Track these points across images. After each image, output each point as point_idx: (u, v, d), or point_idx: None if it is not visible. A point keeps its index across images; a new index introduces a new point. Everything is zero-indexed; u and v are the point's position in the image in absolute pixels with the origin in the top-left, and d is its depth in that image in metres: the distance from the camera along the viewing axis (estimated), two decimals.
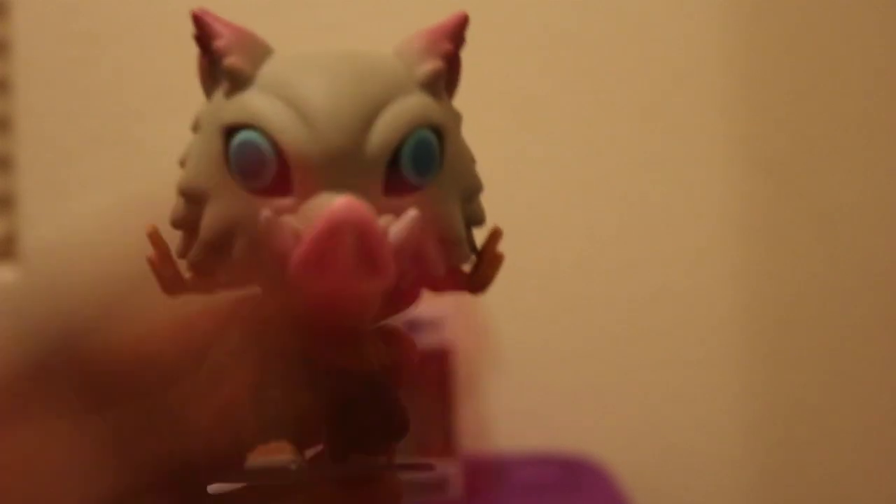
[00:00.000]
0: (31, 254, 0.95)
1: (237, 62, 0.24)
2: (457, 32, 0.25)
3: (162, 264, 0.24)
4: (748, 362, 0.96)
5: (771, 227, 0.96)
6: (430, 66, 0.24)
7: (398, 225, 0.22)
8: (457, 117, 0.26)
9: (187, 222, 0.24)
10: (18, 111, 0.96)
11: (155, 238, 0.24)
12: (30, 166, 0.96)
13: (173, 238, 0.24)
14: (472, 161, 0.26)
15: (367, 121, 0.22)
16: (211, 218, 0.23)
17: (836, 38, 0.96)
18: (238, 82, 0.23)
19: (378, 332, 0.25)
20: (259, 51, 0.24)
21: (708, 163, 0.96)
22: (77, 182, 0.94)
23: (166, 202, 0.24)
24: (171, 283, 0.24)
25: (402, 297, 0.26)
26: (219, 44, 0.24)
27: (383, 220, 0.22)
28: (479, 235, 0.28)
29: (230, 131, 0.23)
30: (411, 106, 0.23)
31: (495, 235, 0.27)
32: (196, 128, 0.24)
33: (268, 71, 0.23)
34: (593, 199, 0.96)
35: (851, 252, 0.96)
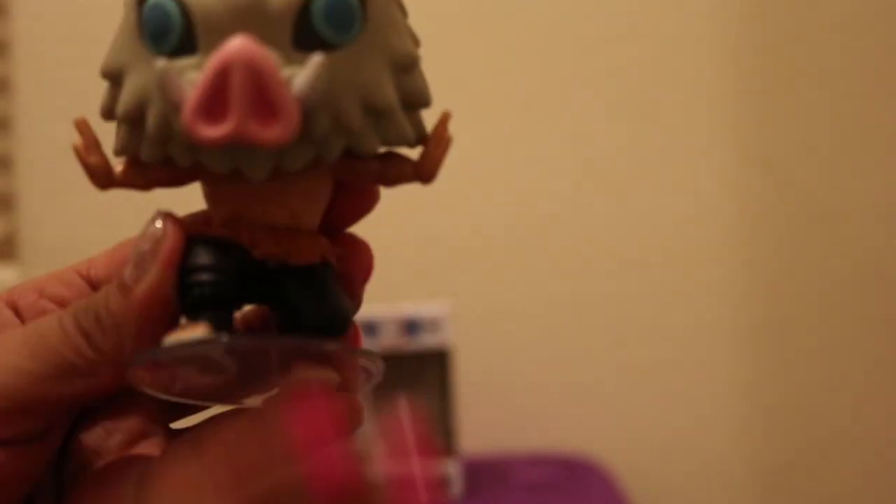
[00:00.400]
0: (31, 254, 0.96)
1: None
2: None
3: (87, 153, 0.24)
4: (748, 362, 0.96)
5: (771, 227, 0.96)
6: None
7: (302, 72, 0.21)
8: None
9: (112, 108, 0.23)
10: (18, 111, 0.96)
11: (82, 127, 0.24)
12: (30, 166, 0.96)
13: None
14: (408, 34, 0.24)
15: None
16: (126, 92, 0.23)
17: (836, 38, 0.96)
18: None
19: (331, 233, 0.25)
20: None
21: (708, 162, 0.96)
22: (77, 182, 0.93)
23: None
24: (99, 174, 0.24)
25: (349, 193, 0.26)
26: None
27: (287, 71, 0.21)
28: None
29: (142, 1, 0.22)
30: None
31: (445, 118, 0.25)
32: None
33: None
34: (593, 199, 0.96)
35: (851, 252, 0.96)
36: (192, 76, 0.21)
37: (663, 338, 0.96)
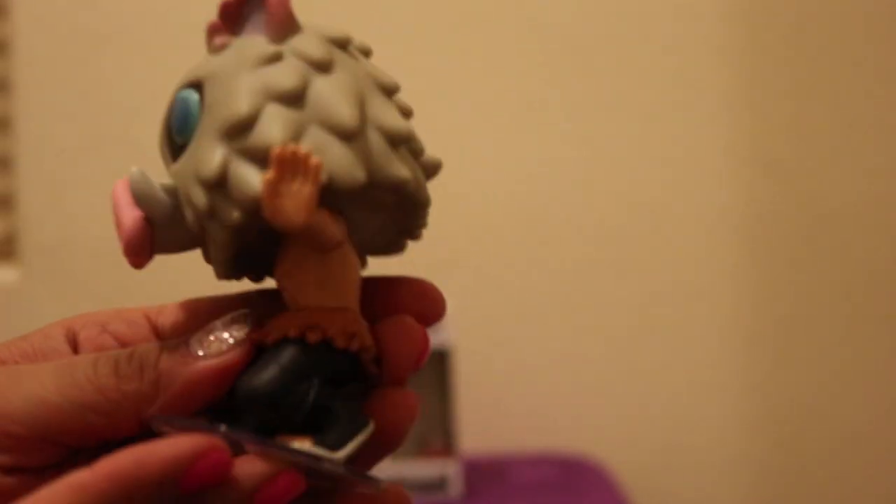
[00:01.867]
0: (31, 254, 0.96)
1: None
2: None
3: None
4: (748, 362, 0.96)
5: (771, 227, 0.96)
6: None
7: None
8: (243, 55, 0.23)
9: None
10: (18, 111, 0.96)
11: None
12: (30, 166, 0.96)
13: None
14: (246, 92, 0.23)
15: None
16: None
17: (837, 38, 0.96)
18: None
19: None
20: None
21: (708, 163, 0.96)
22: (77, 182, 0.94)
23: None
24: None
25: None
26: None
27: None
28: None
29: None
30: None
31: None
32: None
33: None
34: (594, 199, 0.96)
35: (851, 252, 0.96)
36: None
37: (663, 338, 0.96)
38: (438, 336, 0.79)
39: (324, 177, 0.21)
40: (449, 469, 0.79)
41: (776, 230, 0.96)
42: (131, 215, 0.23)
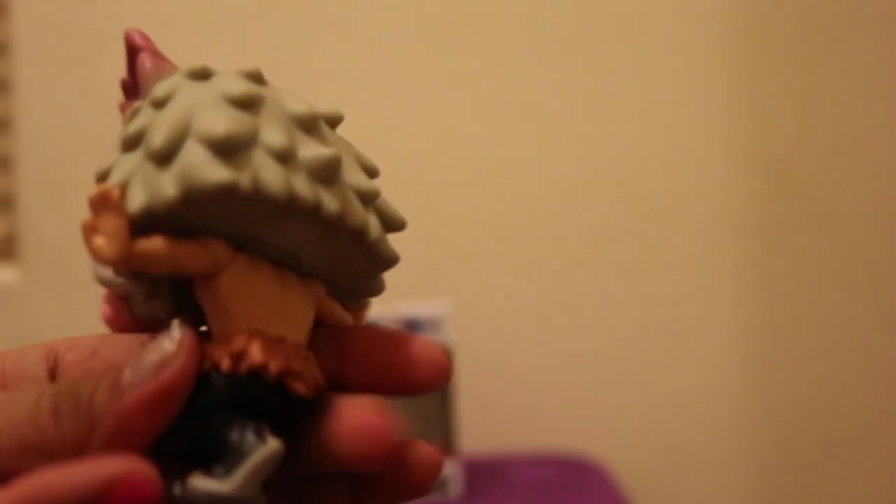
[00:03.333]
0: (31, 254, 0.96)
1: None
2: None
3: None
4: (748, 362, 0.96)
5: (771, 227, 0.96)
6: None
7: None
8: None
9: None
10: (18, 111, 0.96)
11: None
12: (30, 166, 0.96)
13: None
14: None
15: None
16: None
17: (837, 38, 0.96)
18: None
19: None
20: None
21: (708, 163, 0.96)
22: (77, 182, 0.94)
23: None
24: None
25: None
26: None
27: None
28: None
29: None
30: None
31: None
32: None
33: None
34: (594, 200, 0.96)
35: (851, 252, 0.96)
36: None
37: (663, 338, 0.96)
38: (438, 336, 0.79)
39: (134, 205, 0.21)
40: (449, 469, 0.79)
41: (776, 230, 0.96)
42: (104, 295, 0.24)
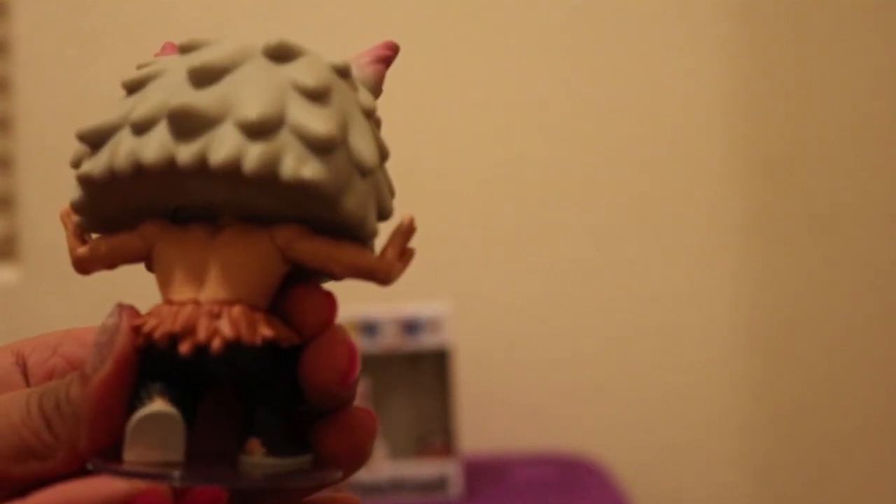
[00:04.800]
0: (31, 254, 0.96)
1: None
2: None
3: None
4: (748, 362, 0.96)
5: (771, 227, 0.96)
6: None
7: None
8: None
9: None
10: (18, 111, 0.96)
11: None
12: (30, 166, 0.96)
13: None
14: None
15: None
16: None
17: (837, 38, 0.96)
18: None
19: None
20: None
21: (708, 163, 0.96)
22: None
23: None
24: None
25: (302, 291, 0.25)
26: None
27: None
28: None
29: None
30: None
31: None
32: None
33: None
34: (594, 200, 0.96)
35: (851, 252, 0.96)
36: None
37: (663, 338, 0.96)
38: (438, 336, 0.79)
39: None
40: (449, 469, 0.79)
41: (776, 230, 0.96)
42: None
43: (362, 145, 0.23)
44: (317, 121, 0.22)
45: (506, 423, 0.95)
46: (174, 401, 0.22)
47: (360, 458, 0.24)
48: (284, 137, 0.22)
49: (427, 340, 0.79)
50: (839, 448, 0.96)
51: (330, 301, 0.23)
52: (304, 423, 0.24)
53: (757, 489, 0.97)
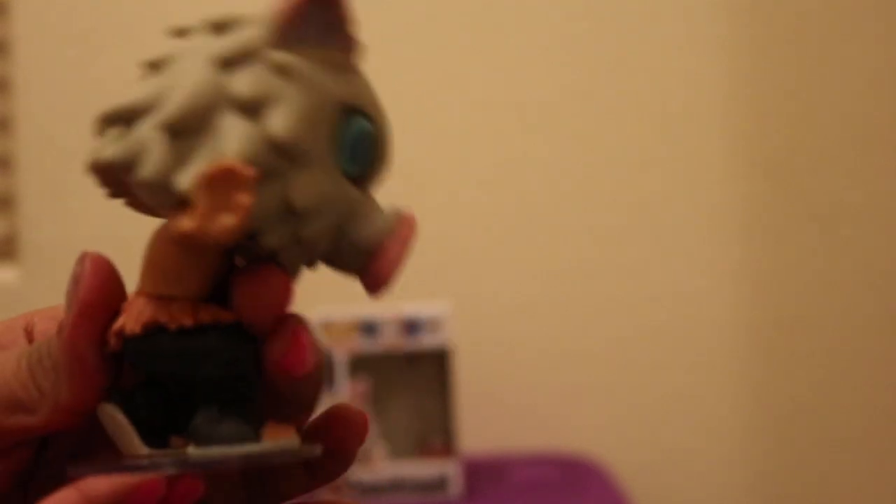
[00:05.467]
0: (31, 254, 0.96)
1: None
2: None
3: None
4: (748, 362, 0.96)
5: (771, 227, 0.96)
6: None
7: None
8: None
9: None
10: (18, 111, 0.96)
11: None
12: (30, 166, 0.96)
13: None
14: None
15: None
16: (305, 183, 0.25)
17: (836, 38, 0.96)
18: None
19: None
20: None
21: (708, 163, 0.96)
22: (77, 182, 0.94)
23: None
24: None
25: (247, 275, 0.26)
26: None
27: None
28: None
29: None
30: None
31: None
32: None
33: None
34: (594, 199, 0.96)
35: (851, 252, 0.96)
36: (387, 227, 0.24)
37: (663, 338, 0.96)
38: (438, 336, 0.79)
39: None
40: (449, 469, 0.79)
41: (776, 230, 0.96)
42: None
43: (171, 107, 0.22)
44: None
45: (506, 423, 0.95)
46: (126, 398, 0.23)
47: (346, 457, 0.25)
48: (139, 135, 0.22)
49: (427, 340, 0.79)
50: (839, 448, 0.96)
51: (266, 284, 0.23)
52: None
53: (756, 489, 0.97)
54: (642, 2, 0.96)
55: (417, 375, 0.82)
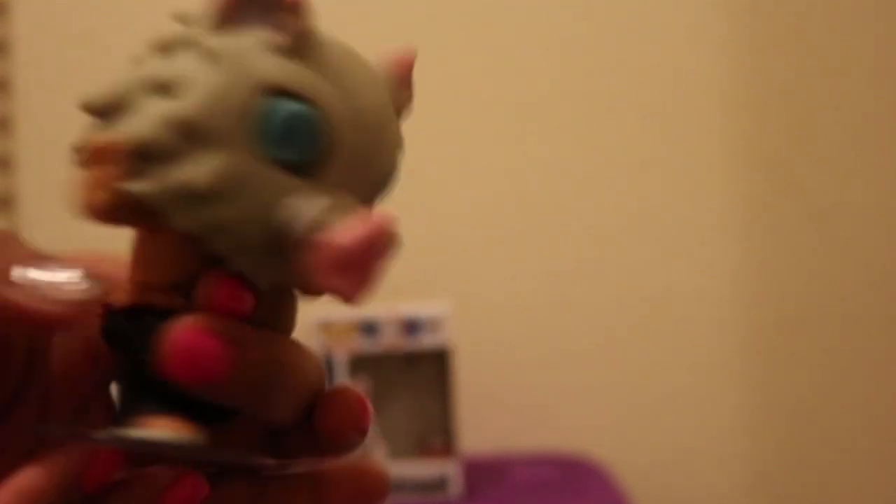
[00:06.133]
0: None
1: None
2: None
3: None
4: (748, 362, 0.96)
5: (771, 227, 0.96)
6: None
7: None
8: None
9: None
10: (18, 111, 0.96)
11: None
12: (30, 166, 0.96)
13: None
14: None
15: None
16: (210, 162, 0.24)
17: (836, 37, 0.96)
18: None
19: None
20: None
21: (708, 164, 0.96)
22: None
23: None
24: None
25: None
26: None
27: None
28: None
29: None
30: None
31: None
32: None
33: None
34: (594, 199, 0.96)
35: (851, 252, 0.96)
36: (329, 217, 0.21)
37: (663, 338, 0.96)
38: (438, 336, 0.79)
39: None
40: (449, 469, 0.79)
41: (776, 230, 0.96)
42: None
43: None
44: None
45: (506, 423, 0.95)
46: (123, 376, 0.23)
47: (341, 444, 0.24)
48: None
49: (427, 340, 0.79)
50: (839, 448, 0.96)
51: (213, 286, 0.22)
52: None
53: (757, 489, 0.97)
54: (643, 2, 0.96)
55: (417, 375, 0.82)
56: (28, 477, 0.21)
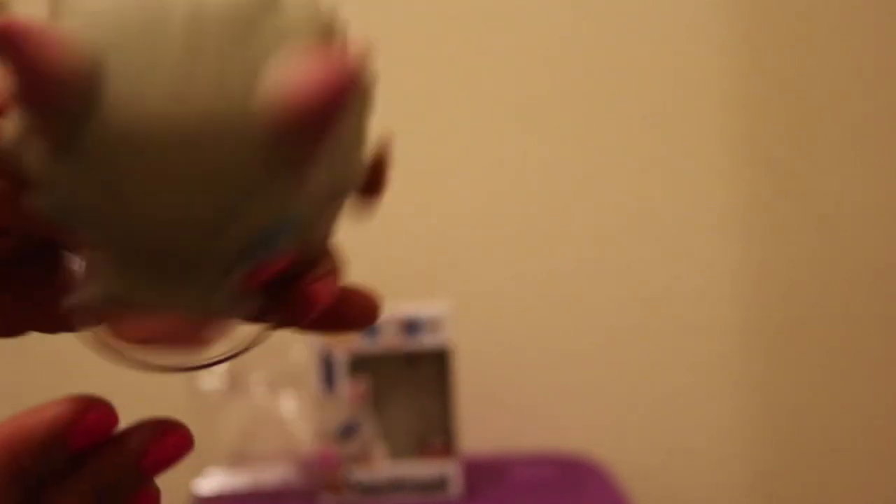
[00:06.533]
0: None
1: None
2: None
3: None
4: (748, 362, 0.96)
5: (771, 227, 0.96)
6: None
7: None
8: None
9: None
10: None
11: None
12: None
13: None
14: None
15: None
16: None
17: (837, 38, 0.96)
18: None
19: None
20: None
21: (708, 163, 0.96)
22: None
23: None
24: None
25: None
26: None
27: None
28: None
29: None
30: None
31: (382, 158, 0.23)
32: None
33: None
34: (594, 199, 0.96)
35: (851, 252, 0.96)
36: None
37: (663, 338, 0.96)
38: (438, 336, 0.79)
39: None
40: (449, 469, 0.79)
41: (776, 230, 0.96)
42: None
43: None
44: None
45: (506, 423, 0.95)
46: None
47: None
48: None
49: (427, 340, 0.79)
50: (839, 448, 0.96)
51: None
52: None
53: (756, 489, 0.97)
54: (642, 2, 0.96)
55: (417, 375, 0.82)
56: (11, 425, 0.21)
